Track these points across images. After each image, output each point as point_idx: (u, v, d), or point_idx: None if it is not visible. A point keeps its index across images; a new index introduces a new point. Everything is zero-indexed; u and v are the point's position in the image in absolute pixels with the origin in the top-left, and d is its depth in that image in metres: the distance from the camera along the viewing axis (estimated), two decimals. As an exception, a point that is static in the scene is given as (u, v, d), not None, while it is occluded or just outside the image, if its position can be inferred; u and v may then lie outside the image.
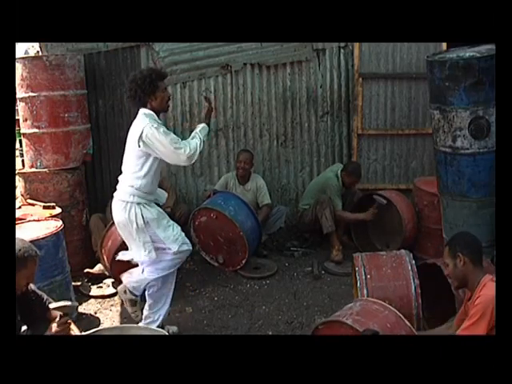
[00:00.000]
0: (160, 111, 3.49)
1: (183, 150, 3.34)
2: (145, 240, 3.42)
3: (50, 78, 4.70)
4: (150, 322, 3.58)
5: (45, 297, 2.91)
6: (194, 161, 3.46)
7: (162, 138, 3.29)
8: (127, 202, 3.39)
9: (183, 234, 3.55)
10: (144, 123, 3.33)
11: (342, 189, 5.21)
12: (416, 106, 5.56)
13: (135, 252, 3.51)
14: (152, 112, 3.41)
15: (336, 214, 5.04)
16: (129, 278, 3.65)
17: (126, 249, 3.75)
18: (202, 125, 3.60)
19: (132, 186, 3.40)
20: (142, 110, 3.42)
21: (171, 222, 3.54)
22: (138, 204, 3.39)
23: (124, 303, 3.74)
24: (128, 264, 4.17)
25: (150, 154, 3.36)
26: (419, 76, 5.28)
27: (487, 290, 2.62)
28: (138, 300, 3.68)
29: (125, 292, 3.64)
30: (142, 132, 3.30)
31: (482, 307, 2.56)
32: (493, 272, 2.78)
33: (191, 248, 3.59)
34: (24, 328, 2.82)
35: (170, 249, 3.44)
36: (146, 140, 3.29)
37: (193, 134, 3.53)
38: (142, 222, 3.38)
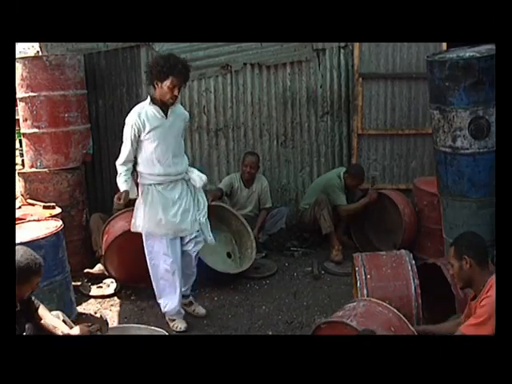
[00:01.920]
0: (161, 101, 3.56)
1: (118, 162, 3.65)
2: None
3: (50, 78, 4.70)
4: None
5: (32, 298, 2.88)
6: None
7: (124, 132, 3.62)
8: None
9: None
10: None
11: (344, 188, 5.21)
12: (416, 106, 5.56)
13: (190, 225, 3.70)
14: (148, 101, 3.59)
15: (342, 210, 5.10)
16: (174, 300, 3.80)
17: (121, 244, 3.96)
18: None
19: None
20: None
21: None
22: None
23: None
24: (122, 257, 4.20)
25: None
26: (419, 76, 5.28)
27: (494, 291, 2.61)
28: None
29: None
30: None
31: (491, 308, 2.54)
32: (493, 272, 2.78)
33: None
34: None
35: None
36: None
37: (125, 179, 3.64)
38: None
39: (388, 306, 2.91)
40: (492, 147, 3.76)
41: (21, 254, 2.60)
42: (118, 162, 3.64)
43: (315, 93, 5.65)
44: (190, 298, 4.06)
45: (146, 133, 3.56)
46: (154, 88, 3.56)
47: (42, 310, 2.86)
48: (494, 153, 3.65)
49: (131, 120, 3.57)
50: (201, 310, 4.02)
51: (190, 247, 3.78)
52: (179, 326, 3.79)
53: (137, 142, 3.59)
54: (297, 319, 3.99)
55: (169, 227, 3.65)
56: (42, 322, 2.81)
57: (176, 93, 3.53)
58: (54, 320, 2.85)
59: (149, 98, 3.62)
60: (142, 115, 3.56)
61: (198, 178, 3.76)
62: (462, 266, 2.76)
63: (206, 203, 3.87)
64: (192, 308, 4.02)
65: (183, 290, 3.87)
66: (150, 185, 3.66)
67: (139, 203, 3.73)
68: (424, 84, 4.68)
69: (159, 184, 3.65)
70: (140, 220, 3.71)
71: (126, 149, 3.61)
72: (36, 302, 2.86)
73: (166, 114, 3.60)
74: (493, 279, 2.66)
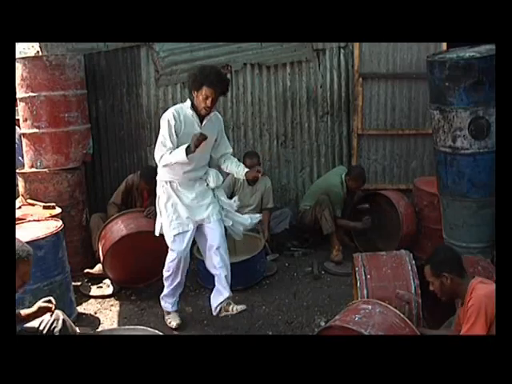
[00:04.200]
0: (198, 109, 3.54)
1: (158, 156, 3.55)
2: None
3: (50, 77, 4.70)
4: None
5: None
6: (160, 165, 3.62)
7: (161, 128, 3.54)
8: None
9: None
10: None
11: (345, 194, 5.19)
12: (416, 106, 5.56)
13: (210, 211, 3.68)
14: (188, 104, 3.55)
15: (336, 221, 5.09)
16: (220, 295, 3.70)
17: (120, 249, 3.79)
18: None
19: None
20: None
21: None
22: None
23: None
24: (121, 262, 4.20)
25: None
26: (419, 76, 5.27)
27: (477, 290, 2.64)
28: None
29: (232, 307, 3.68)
30: None
31: (476, 307, 2.57)
32: (493, 272, 2.78)
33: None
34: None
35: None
36: None
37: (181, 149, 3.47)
38: None
39: (404, 318, 2.86)
40: (492, 147, 3.76)
41: None
42: (159, 156, 3.54)
43: (315, 93, 5.65)
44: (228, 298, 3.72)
45: (180, 134, 3.52)
46: (193, 96, 3.53)
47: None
48: (493, 153, 3.66)
49: (170, 117, 3.50)
50: (239, 307, 3.70)
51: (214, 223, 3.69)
52: (172, 322, 3.84)
53: (176, 140, 3.52)
54: (297, 319, 3.99)
55: (189, 213, 3.64)
56: None
57: (209, 103, 3.46)
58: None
59: (189, 100, 3.57)
60: (180, 115, 3.52)
61: (213, 177, 3.74)
62: (442, 282, 2.79)
63: (231, 203, 3.86)
64: (230, 308, 3.69)
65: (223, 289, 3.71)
66: (167, 182, 3.66)
67: (160, 206, 3.72)
68: (424, 84, 4.69)
69: (178, 181, 3.65)
70: (166, 226, 3.70)
71: (165, 145, 3.50)
72: None
73: (201, 123, 3.57)
74: (474, 282, 2.71)
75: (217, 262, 3.68)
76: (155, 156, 3.58)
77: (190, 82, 3.54)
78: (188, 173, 3.64)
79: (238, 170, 3.77)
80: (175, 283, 3.81)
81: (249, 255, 4.54)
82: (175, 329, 3.83)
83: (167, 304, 3.90)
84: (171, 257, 3.73)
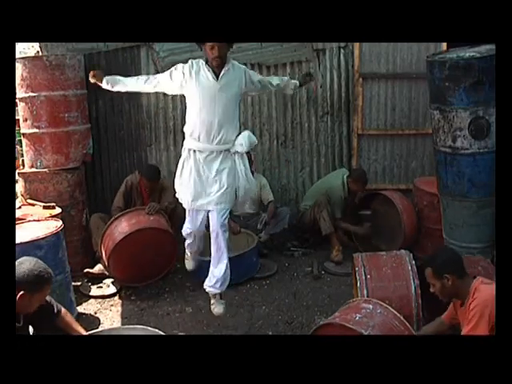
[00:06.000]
0: (212, 63, 3.40)
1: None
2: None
3: (50, 78, 4.70)
4: None
5: (54, 305, 2.91)
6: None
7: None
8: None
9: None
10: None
11: (346, 197, 5.21)
12: (416, 106, 5.56)
13: (220, 200, 3.51)
14: (204, 60, 3.43)
15: (336, 222, 5.12)
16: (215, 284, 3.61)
17: (124, 248, 3.75)
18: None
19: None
20: None
21: None
22: None
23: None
24: (125, 260, 4.18)
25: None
26: (419, 76, 5.27)
27: (480, 292, 2.64)
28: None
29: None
30: None
31: (480, 309, 2.57)
32: (493, 272, 2.78)
33: None
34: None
35: None
36: None
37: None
38: None
39: (404, 321, 2.87)
40: (492, 147, 3.76)
41: (33, 263, 2.63)
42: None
43: (315, 93, 5.65)
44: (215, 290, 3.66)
45: (193, 87, 3.38)
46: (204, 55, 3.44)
47: (65, 315, 2.94)
48: (493, 153, 3.66)
49: (181, 64, 3.44)
50: (218, 310, 3.67)
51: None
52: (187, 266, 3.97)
53: (178, 86, 3.43)
54: (297, 319, 3.99)
55: (202, 201, 3.50)
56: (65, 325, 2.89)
57: (216, 52, 3.31)
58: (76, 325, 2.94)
59: (205, 58, 3.44)
60: (194, 66, 3.41)
61: (241, 141, 3.48)
62: (444, 284, 2.79)
63: (251, 185, 3.67)
64: (212, 306, 3.69)
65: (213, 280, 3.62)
66: (190, 150, 3.47)
67: (179, 171, 3.56)
68: (424, 84, 4.69)
69: (200, 152, 3.45)
70: (183, 193, 3.56)
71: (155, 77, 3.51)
72: (57, 305, 2.92)
73: (217, 77, 3.39)
74: (476, 283, 2.71)
75: (214, 251, 3.57)
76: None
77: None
78: (211, 134, 3.40)
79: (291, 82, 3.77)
80: (189, 242, 3.79)
81: (241, 251, 4.59)
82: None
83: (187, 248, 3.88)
84: (185, 226, 3.69)
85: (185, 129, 3.53)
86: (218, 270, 3.57)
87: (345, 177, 5.21)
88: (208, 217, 3.56)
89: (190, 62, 3.44)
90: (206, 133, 3.41)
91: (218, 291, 3.60)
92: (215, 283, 3.57)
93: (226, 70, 3.42)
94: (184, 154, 3.53)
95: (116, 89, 3.63)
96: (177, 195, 3.63)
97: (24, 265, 2.59)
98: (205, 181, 3.47)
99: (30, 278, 2.55)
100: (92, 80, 3.62)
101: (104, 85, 3.59)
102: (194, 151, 3.46)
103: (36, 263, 2.64)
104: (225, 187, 3.47)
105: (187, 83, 3.40)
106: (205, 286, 3.63)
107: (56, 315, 2.88)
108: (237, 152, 3.49)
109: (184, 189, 3.53)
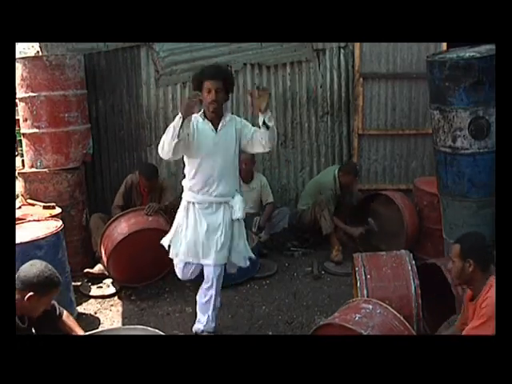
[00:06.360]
0: (209, 114, 3.37)
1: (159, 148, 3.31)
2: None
3: (50, 78, 4.70)
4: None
5: (56, 308, 2.90)
6: (164, 156, 3.30)
7: None
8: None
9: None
10: None
11: (338, 192, 5.20)
12: (416, 106, 5.57)
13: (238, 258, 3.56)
14: (200, 112, 3.36)
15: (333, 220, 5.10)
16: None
17: (123, 249, 3.72)
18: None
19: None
20: None
21: None
22: None
23: None
24: (125, 261, 4.16)
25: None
26: (419, 76, 5.27)
27: (494, 291, 2.61)
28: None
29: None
30: None
31: (492, 309, 2.52)
32: (493, 272, 2.77)
33: None
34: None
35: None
36: None
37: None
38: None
39: (404, 321, 2.87)
40: (492, 147, 3.76)
41: (44, 265, 2.64)
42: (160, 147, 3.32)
43: (315, 93, 5.65)
44: None
45: (193, 140, 3.32)
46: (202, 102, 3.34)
47: (66, 318, 2.93)
48: (493, 153, 3.65)
49: None
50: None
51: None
52: None
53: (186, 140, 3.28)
54: (297, 319, 3.99)
55: (196, 252, 3.46)
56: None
57: (213, 96, 3.27)
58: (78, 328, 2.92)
59: (202, 112, 3.39)
60: (194, 122, 3.34)
61: (239, 205, 3.45)
62: (464, 267, 2.74)
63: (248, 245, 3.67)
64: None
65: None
66: (190, 202, 3.45)
67: (178, 222, 3.54)
68: (424, 84, 4.69)
69: (199, 203, 3.42)
70: (177, 246, 3.54)
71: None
72: (59, 309, 2.92)
73: (216, 129, 3.39)
74: (492, 279, 2.66)
75: (201, 301, 3.60)
76: (159, 151, 3.31)
77: (193, 85, 3.40)
78: (211, 187, 3.39)
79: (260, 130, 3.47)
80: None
81: None
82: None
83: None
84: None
85: (183, 182, 3.51)
86: (204, 318, 3.58)
87: (336, 172, 5.21)
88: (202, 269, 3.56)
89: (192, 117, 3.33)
90: (205, 185, 3.39)
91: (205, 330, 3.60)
92: (201, 326, 3.60)
93: (224, 122, 3.40)
94: (182, 205, 3.50)
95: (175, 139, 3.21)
96: (171, 251, 3.58)
97: (35, 267, 2.60)
98: (203, 234, 3.42)
99: (41, 280, 2.56)
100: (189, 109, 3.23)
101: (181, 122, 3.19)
102: (193, 203, 3.44)
103: (46, 266, 2.65)
104: (221, 243, 3.43)
105: (190, 135, 3.32)
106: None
107: (58, 318, 2.88)
108: (238, 219, 3.49)
109: (181, 240, 3.49)
